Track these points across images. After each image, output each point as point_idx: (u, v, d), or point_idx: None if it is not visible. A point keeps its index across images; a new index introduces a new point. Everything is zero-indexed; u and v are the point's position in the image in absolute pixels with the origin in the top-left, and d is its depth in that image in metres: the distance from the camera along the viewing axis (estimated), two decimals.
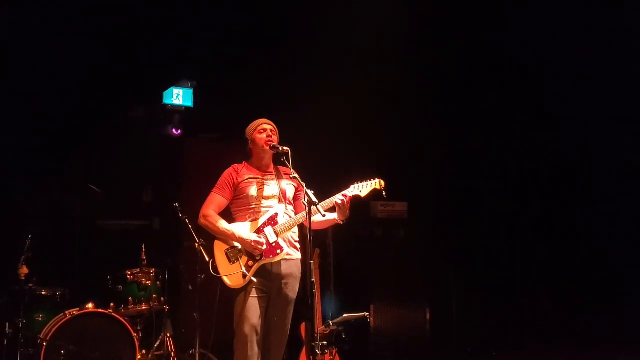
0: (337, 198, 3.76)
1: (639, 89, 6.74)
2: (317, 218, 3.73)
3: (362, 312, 5.25)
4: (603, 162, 7.11)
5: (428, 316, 6.22)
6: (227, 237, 3.86)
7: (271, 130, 3.99)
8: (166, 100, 6.34)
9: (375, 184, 3.84)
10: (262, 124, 4.02)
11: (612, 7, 6.27)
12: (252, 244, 3.77)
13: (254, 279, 3.77)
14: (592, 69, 6.68)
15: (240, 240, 3.81)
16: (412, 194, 6.51)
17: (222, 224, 3.88)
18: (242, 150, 4.10)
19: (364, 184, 3.84)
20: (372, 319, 5.98)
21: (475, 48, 6.69)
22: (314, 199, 3.56)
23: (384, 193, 3.83)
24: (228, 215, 4.00)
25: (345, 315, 5.09)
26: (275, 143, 3.93)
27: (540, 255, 7.26)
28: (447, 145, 7.14)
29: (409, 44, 6.43)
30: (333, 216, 3.86)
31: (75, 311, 4.64)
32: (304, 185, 3.61)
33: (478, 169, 7.20)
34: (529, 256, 7.28)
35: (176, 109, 6.38)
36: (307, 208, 3.54)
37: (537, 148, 7.22)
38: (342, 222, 3.86)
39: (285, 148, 3.79)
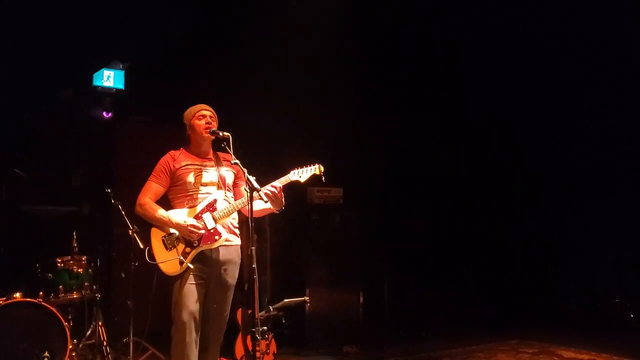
0: (267, 188, 3.69)
1: None
2: (257, 205, 3.71)
3: (302, 297, 5.30)
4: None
5: (361, 299, 6.35)
6: (163, 224, 3.80)
7: (210, 117, 3.91)
8: (96, 82, 6.13)
9: (315, 169, 3.83)
10: (201, 109, 3.93)
11: None
12: (189, 228, 3.72)
13: (191, 266, 3.73)
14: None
15: (177, 226, 3.75)
16: (347, 180, 6.61)
17: (159, 212, 3.81)
18: (176, 134, 4.00)
19: (304, 169, 3.82)
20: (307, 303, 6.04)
21: (416, 32, 6.79)
22: (256, 185, 3.54)
23: (323, 178, 3.84)
24: (166, 203, 3.93)
25: (285, 300, 5.12)
26: (215, 128, 3.88)
27: (467, 239, 7.54)
28: (383, 134, 7.28)
29: (352, 28, 6.47)
30: (268, 205, 3.77)
31: (1, 301, 4.48)
32: (245, 171, 3.57)
33: (410, 157, 7.38)
34: (456, 240, 7.55)
35: (107, 91, 6.18)
36: (248, 194, 3.52)
37: (465, 136, 7.46)
38: (277, 212, 3.82)
39: (225, 133, 3.73)
